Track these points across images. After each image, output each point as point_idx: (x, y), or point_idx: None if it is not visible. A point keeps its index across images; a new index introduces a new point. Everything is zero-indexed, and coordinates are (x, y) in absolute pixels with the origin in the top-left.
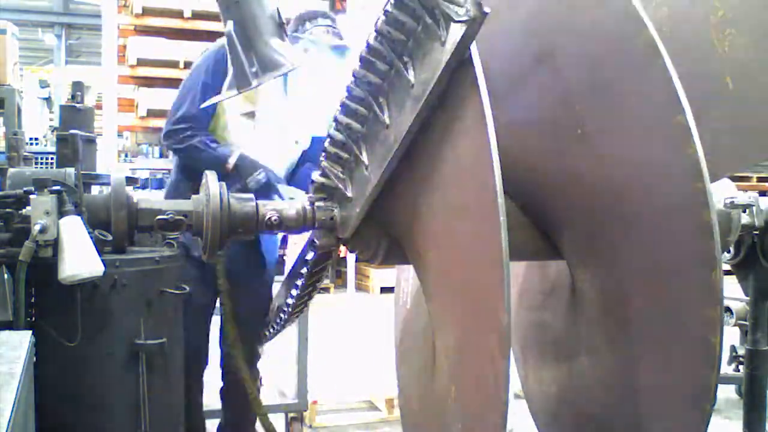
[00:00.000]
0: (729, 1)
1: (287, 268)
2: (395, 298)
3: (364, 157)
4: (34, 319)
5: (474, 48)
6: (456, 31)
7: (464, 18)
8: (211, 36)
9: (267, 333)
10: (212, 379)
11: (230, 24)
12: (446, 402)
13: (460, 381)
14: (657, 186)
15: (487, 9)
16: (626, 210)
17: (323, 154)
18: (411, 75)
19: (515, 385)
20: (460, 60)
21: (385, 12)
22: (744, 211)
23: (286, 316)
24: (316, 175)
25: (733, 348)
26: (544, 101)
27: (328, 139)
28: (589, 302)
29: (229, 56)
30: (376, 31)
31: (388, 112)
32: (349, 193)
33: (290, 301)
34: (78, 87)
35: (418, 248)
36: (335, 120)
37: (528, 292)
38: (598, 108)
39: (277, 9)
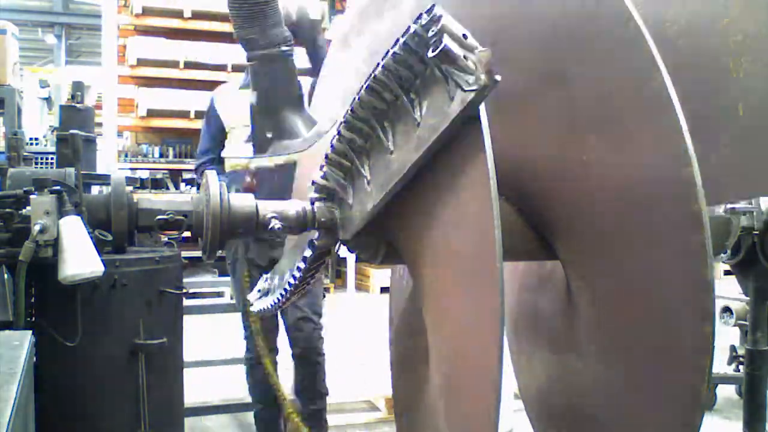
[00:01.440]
0: (747, 30)
1: None
2: (391, 290)
3: (366, 171)
4: (34, 319)
5: (482, 108)
6: (465, 95)
7: (474, 87)
8: (211, 36)
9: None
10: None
11: (253, 96)
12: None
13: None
14: (656, 203)
15: (498, 77)
16: (624, 223)
17: (325, 158)
18: (417, 114)
19: (515, 385)
20: (468, 117)
21: (393, 54)
22: (744, 214)
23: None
24: (317, 177)
25: (733, 348)
26: (551, 122)
27: (331, 148)
28: (583, 302)
29: (251, 120)
30: (382, 66)
31: (392, 138)
32: (350, 200)
33: (282, 293)
34: (78, 87)
35: (414, 266)
36: (338, 132)
37: (526, 274)
38: (605, 140)
39: (298, 81)
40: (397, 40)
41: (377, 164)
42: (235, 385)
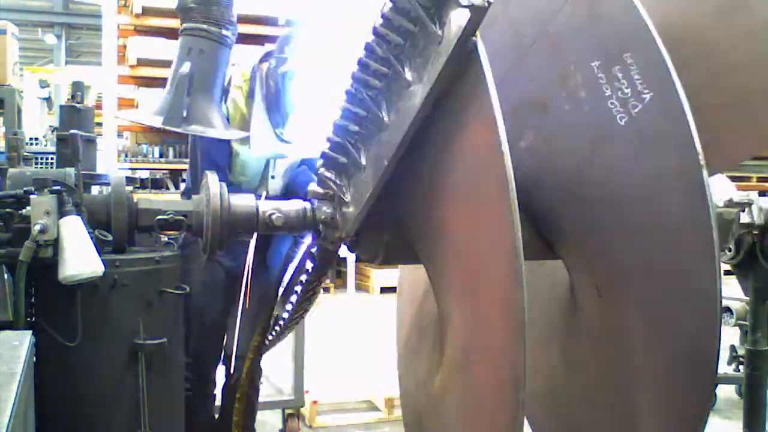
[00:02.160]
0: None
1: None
2: (398, 293)
3: (362, 160)
4: (34, 319)
5: (480, 42)
6: (460, 18)
7: (466, 4)
8: None
9: (266, 342)
10: None
11: (187, 66)
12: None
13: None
14: (657, 198)
15: (488, 3)
16: (624, 220)
17: (321, 160)
18: (408, 74)
19: None
20: (465, 52)
21: (382, 15)
22: (743, 210)
23: (284, 325)
24: (313, 185)
25: (733, 348)
26: (557, 126)
27: (327, 143)
28: (584, 303)
29: (171, 90)
30: (373, 32)
31: (386, 113)
32: (347, 198)
33: (288, 308)
34: (78, 87)
35: (428, 249)
36: (333, 124)
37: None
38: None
39: (228, 75)
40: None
41: (372, 145)
42: None
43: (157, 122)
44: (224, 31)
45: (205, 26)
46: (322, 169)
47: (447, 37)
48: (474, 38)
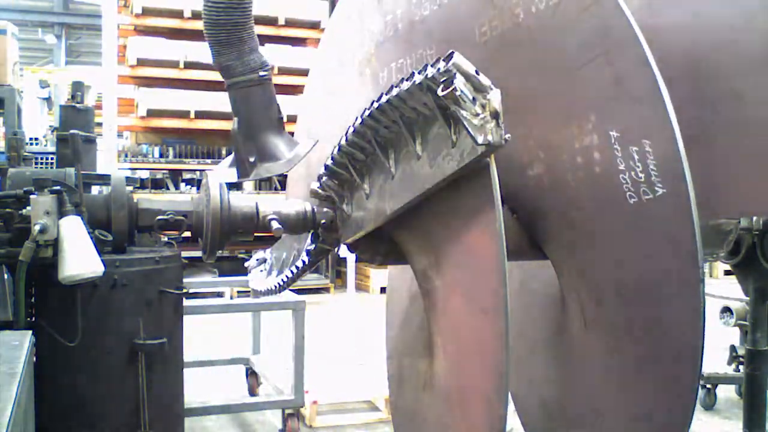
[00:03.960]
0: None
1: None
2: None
3: (366, 186)
4: (34, 319)
5: (493, 164)
6: (471, 147)
7: (483, 144)
8: None
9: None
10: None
11: (235, 122)
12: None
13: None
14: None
15: (507, 136)
16: (605, 224)
17: (325, 169)
18: (419, 149)
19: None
20: (476, 164)
21: (397, 94)
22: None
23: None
24: (314, 186)
25: (733, 348)
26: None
27: (331, 160)
28: (570, 306)
29: (233, 146)
30: (387, 101)
31: (394, 164)
32: (347, 209)
33: (285, 279)
34: (78, 87)
35: (419, 271)
36: (339, 147)
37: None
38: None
39: (277, 104)
40: (412, 74)
41: (377, 182)
42: (235, 385)
43: (233, 177)
44: (261, 72)
45: (245, 78)
46: (325, 178)
47: (460, 148)
48: (487, 159)
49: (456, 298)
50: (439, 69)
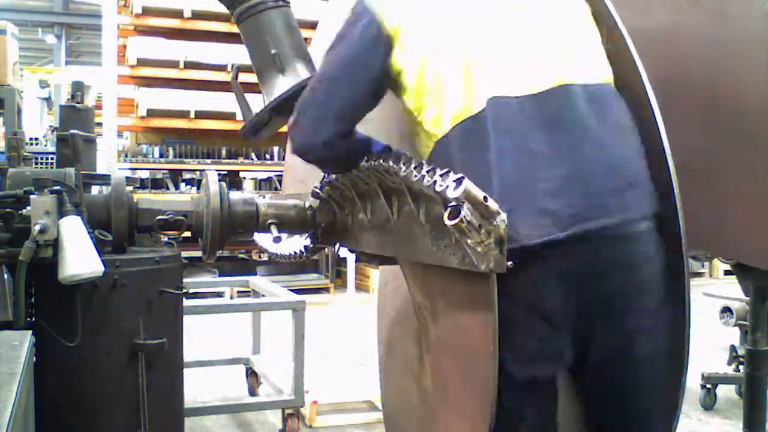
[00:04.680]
0: None
1: None
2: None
3: (368, 212)
4: (34, 319)
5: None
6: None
7: (485, 271)
8: (211, 36)
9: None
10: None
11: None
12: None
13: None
14: None
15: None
16: None
17: (327, 179)
18: (422, 218)
19: None
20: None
21: (405, 179)
22: None
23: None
24: (318, 190)
25: (733, 348)
26: None
27: (332, 180)
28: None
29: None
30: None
31: (396, 212)
32: (348, 220)
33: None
34: (78, 87)
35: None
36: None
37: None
38: None
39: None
40: (400, 159)
41: (375, 215)
42: (235, 385)
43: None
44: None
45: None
46: (327, 187)
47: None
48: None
49: (446, 357)
50: (446, 186)
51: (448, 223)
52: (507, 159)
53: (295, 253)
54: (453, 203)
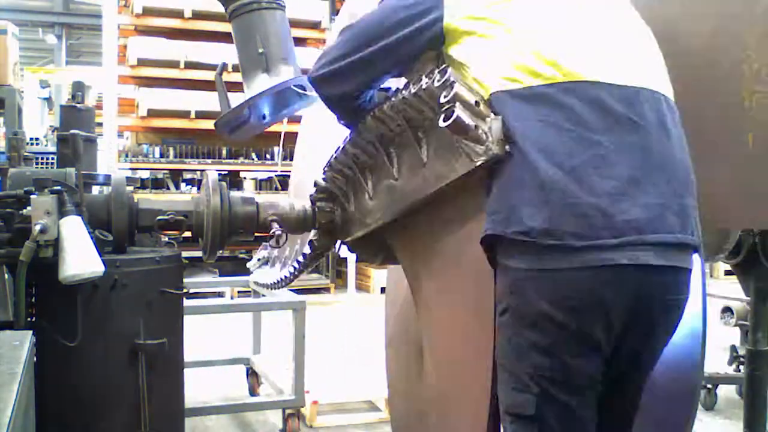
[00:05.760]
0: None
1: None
2: (386, 295)
3: (369, 187)
4: (34, 319)
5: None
6: (473, 162)
7: (483, 157)
8: (211, 36)
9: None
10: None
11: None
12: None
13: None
14: None
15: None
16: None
17: (328, 164)
18: (424, 154)
19: None
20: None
21: (402, 98)
22: None
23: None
24: (319, 179)
25: (733, 348)
26: None
27: (334, 158)
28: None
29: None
30: (390, 104)
31: (397, 167)
32: (351, 207)
33: (287, 274)
34: (78, 87)
35: (412, 277)
36: (343, 148)
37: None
38: None
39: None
40: (407, 84)
41: (380, 184)
42: (236, 385)
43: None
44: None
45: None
46: (330, 172)
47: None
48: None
49: (445, 312)
50: (437, 81)
51: (443, 124)
52: (564, 139)
53: (286, 277)
54: (447, 106)
